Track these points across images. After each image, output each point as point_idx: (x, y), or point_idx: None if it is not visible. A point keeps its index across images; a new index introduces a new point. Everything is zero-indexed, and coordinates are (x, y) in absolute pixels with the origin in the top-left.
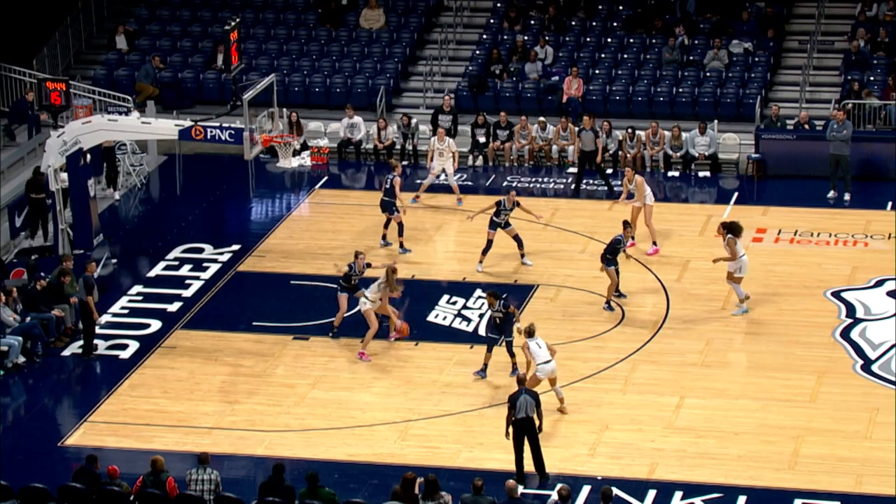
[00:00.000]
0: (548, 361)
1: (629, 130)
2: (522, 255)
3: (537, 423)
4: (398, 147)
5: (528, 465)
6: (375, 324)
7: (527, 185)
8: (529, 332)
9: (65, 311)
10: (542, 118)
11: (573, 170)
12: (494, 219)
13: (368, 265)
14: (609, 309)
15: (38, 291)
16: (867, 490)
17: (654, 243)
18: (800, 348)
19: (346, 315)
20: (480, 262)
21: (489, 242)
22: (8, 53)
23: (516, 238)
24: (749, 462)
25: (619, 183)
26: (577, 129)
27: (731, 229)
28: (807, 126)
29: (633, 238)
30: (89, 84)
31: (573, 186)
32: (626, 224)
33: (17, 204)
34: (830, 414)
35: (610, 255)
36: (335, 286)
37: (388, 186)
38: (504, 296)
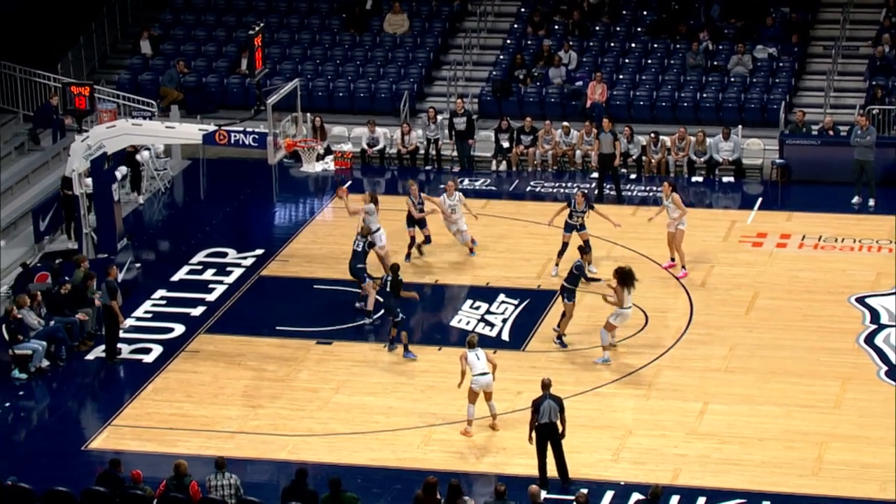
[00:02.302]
0: (484, 374)
1: (652, 135)
2: (588, 262)
3: (560, 428)
4: (422, 152)
5: (552, 471)
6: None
7: (550, 189)
8: (470, 343)
9: (88, 315)
10: (565, 123)
11: (597, 175)
12: (568, 221)
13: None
14: (561, 345)
15: (63, 295)
16: (891, 496)
17: (683, 267)
18: (824, 354)
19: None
20: (556, 264)
21: (564, 245)
22: (33, 58)
23: (586, 244)
24: (773, 468)
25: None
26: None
27: (622, 278)
28: (831, 132)
29: (672, 259)
30: (114, 88)
31: (595, 191)
32: (582, 249)
33: (42, 208)
34: (855, 420)
35: (570, 285)
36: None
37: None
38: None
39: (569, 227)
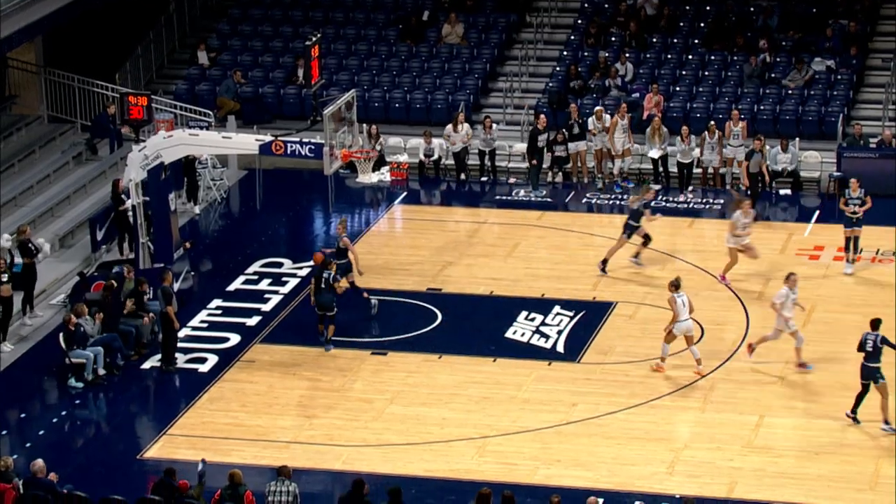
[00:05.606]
0: (686, 320)
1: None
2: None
3: None
4: (477, 162)
5: None
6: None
7: (606, 202)
8: (676, 286)
9: (151, 320)
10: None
11: (655, 186)
12: (845, 214)
13: None
14: (854, 421)
15: (121, 303)
16: None
17: None
18: (882, 368)
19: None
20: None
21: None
22: (91, 68)
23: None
24: (829, 482)
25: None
26: (748, 150)
27: None
28: (891, 144)
29: None
30: (171, 98)
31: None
32: (874, 322)
33: (99, 217)
34: None
35: (874, 363)
36: (415, 300)
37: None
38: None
39: (848, 223)
